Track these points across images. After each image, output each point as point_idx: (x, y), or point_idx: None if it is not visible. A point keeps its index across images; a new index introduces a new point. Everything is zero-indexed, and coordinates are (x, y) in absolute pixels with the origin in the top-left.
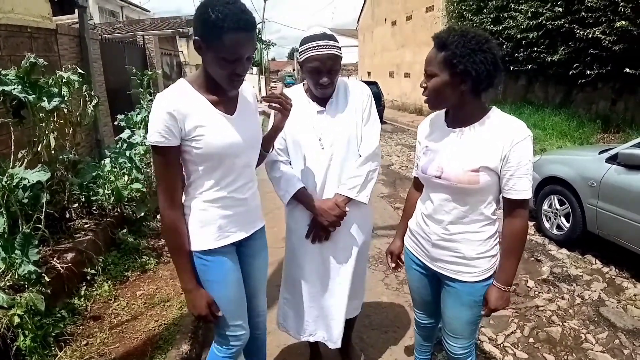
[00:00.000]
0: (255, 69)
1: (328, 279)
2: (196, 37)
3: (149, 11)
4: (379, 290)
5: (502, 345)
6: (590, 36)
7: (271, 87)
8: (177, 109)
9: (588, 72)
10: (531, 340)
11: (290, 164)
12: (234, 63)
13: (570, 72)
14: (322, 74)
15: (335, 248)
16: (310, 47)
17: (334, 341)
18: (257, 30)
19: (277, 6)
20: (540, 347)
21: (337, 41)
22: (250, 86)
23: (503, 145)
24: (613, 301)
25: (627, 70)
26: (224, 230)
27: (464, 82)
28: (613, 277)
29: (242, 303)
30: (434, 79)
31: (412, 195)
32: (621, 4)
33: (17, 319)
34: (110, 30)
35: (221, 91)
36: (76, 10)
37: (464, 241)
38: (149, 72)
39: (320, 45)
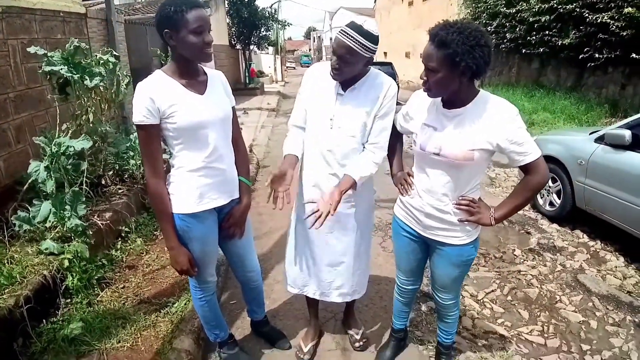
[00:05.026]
0: (271, 48)
1: (329, 245)
2: (166, 31)
3: None
4: (376, 251)
5: (482, 300)
6: (599, 21)
7: (287, 66)
8: (155, 93)
9: (597, 56)
10: (509, 298)
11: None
12: (202, 34)
13: (581, 56)
14: (334, 55)
15: (342, 225)
16: (338, 30)
17: (328, 296)
18: (274, 10)
19: None
20: (516, 304)
21: (362, 35)
22: (220, 73)
23: (498, 125)
24: (593, 270)
25: (634, 55)
26: (204, 197)
27: (464, 74)
28: (597, 250)
29: (216, 255)
30: (436, 74)
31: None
32: None
33: (66, 263)
34: (130, 11)
35: (191, 74)
36: None
37: (454, 210)
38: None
39: (341, 32)
